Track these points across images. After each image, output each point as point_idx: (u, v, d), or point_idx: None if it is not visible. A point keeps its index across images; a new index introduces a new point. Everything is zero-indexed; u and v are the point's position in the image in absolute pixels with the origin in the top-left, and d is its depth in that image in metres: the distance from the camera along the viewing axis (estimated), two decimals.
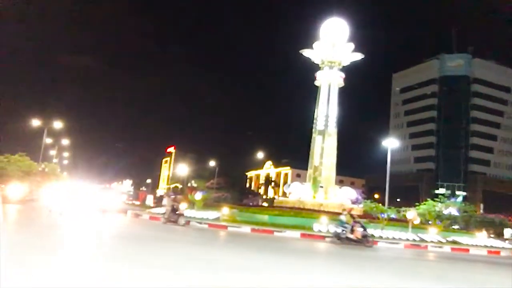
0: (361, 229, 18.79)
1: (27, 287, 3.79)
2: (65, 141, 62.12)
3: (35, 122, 46.80)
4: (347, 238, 18.58)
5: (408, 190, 77.96)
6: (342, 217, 19.55)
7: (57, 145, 61.99)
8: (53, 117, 49.07)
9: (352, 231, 18.63)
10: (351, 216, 19.63)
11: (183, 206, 23.87)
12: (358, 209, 37.52)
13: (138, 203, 56.28)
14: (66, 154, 76.74)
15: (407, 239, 24.07)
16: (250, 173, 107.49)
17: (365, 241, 18.74)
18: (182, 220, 22.13)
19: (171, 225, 21.27)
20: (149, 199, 56.34)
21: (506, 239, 32.76)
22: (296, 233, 22.18)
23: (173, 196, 26.90)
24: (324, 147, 39.70)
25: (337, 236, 18.98)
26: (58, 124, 49.11)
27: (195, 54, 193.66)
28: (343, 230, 18.82)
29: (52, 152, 64.15)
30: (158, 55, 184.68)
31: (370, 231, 21.45)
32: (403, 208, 40.56)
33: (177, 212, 22.37)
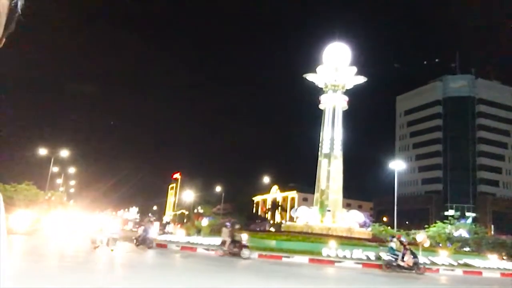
0: (412, 257, 18.42)
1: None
2: (71, 169, 62.43)
3: (42, 151, 47.16)
4: (398, 266, 18.16)
5: (417, 213, 77.11)
6: (392, 244, 19.20)
7: (63, 173, 62.25)
8: (60, 146, 49.49)
9: (402, 258, 18.26)
10: (401, 243, 19.25)
11: (244, 237, 21.43)
12: (366, 233, 37.08)
13: None
14: (72, 182, 76.93)
15: None
16: (257, 198, 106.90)
17: (416, 268, 18.29)
18: (246, 252, 20.11)
19: (231, 258, 19.57)
20: (156, 227, 55.96)
21: None
22: (305, 258, 21.82)
23: (229, 226, 23.50)
24: (331, 171, 39.53)
25: (387, 264, 18.52)
26: (64, 153, 49.47)
27: (200, 80, 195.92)
28: (393, 258, 18.43)
29: (59, 181, 64.39)
30: (164, 81, 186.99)
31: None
32: (413, 231, 40.07)
33: (238, 244, 20.41)
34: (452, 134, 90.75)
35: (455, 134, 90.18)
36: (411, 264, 18.17)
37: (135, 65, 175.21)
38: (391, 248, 19.00)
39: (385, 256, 19.13)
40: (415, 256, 18.63)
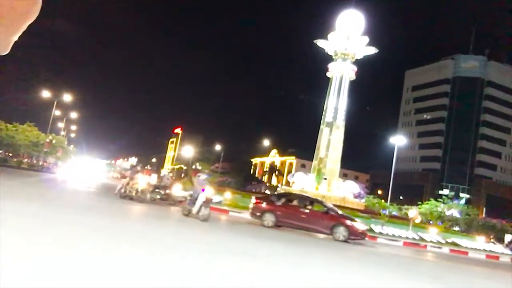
0: None
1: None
2: (74, 114, 62.34)
3: (45, 94, 47.01)
4: None
5: (412, 189, 77.81)
6: None
7: (65, 117, 62.28)
8: (64, 90, 49.26)
9: None
10: None
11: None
12: (360, 204, 37.61)
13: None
14: (74, 127, 77.02)
15: (407, 237, 24.05)
16: (255, 160, 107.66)
17: None
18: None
19: None
20: (153, 178, 56.75)
21: (507, 245, 32.42)
22: None
23: None
24: (331, 139, 39.63)
25: None
26: (67, 97, 49.29)
27: (208, 38, 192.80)
28: None
29: (60, 125, 64.49)
30: (172, 36, 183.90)
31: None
32: (405, 206, 40.57)
33: None
34: (457, 114, 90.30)
35: (460, 115, 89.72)
36: None
37: (140, 20, 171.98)
38: None
39: None
40: None
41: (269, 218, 16.21)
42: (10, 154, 52.60)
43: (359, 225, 16.54)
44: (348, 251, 13.47)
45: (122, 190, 18.69)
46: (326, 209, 16.58)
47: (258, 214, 16.64)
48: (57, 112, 52.61)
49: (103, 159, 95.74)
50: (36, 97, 47.54)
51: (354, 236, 15.93)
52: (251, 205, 17.34)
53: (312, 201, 17.58)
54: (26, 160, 51.42)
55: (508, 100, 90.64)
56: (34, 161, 52.28)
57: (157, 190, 19.99)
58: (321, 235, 16.37)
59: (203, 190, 13.77)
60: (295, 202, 17.33)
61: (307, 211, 16.35)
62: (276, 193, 21.03)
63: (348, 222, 16.14)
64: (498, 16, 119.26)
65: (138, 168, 19.48)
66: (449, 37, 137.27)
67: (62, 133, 65.15)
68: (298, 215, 16.22)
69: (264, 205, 16.87)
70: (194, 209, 13.49)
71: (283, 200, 17.13)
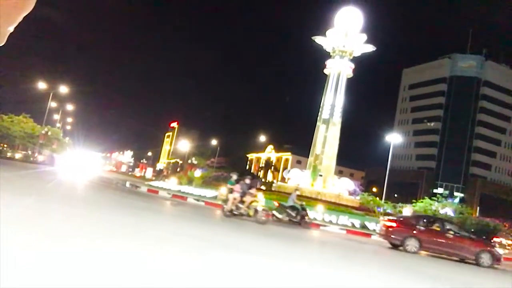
0: None
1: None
2: (70, 107, 62.06)
3: (41, 85, 46.75)
4: None
5: (407, 187, 78.11)
6: None
7: (61, 109, 62.00)
8: (60, 82, 49.04)
9: None
10: None
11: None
12: (355, 201, 37.72)
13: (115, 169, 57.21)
14: (69, 119, 76.72)
15: None
16: (251, 155, 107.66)
17: None
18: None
19: None
20: (149, 172, 56.81)
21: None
22: None
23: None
24: (327, 136, 39.68)
25: None
26: (63, 89, 49.08)
27: (206, 33, 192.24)
28: None
29: (56, 117, 64.20)
30: (169, 30, 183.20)
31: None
32: (400, 204, 40.72)
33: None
34: (453, 113, 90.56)
35: (456, 114, 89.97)
36: None
37: (137, 12, 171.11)
38: None
39: None
40: None
41: (413, 244, 15.74)
42: (5, 146, 52.37)
43: (499, 250, 16.68)
44: None
45: (233, 208, 16.03)
46: (468, 234, 16.48)
47: (399, 238, 16.08)
48: (53, 104, 52.37)
49: (99, 152, 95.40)
50: (32, 88, 47.28)
51: (497, 262, 15.75)
52: (383, 227, 16.80)
53: (450, 225, 17.23)
54: (22, 152, 51.19)
55: (504, 100, 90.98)
56: (30, 153, 52.08)
57: (289, 210, 18.19)
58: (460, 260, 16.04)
59: None
60: (435, 226, 16.76)
61: (451, 236, 15.94)
62: (415, 215, 20.73)
63: (493, 249, 16.06)
64: (495, 16, 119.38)
65: (248, 181, 16.43)
66: (446, 36, 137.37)
67: (58, 125, 64.86)
68: (442, 240, 15.87)
69: (406, 229, 16.24)
70: None
71: (423, 223, 16.68)
